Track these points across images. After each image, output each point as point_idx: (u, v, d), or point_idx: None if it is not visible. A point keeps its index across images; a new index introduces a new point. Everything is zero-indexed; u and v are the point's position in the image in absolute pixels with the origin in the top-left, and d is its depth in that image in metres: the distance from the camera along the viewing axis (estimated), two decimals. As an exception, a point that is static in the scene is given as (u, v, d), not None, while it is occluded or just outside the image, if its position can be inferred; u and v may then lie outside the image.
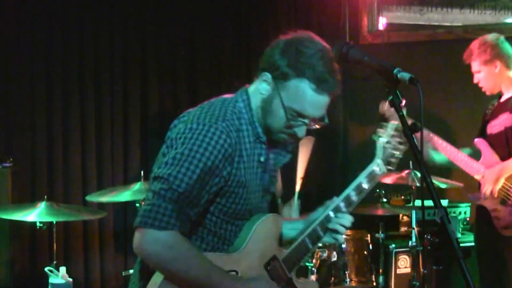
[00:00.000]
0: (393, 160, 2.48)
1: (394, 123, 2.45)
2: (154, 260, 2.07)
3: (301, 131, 2.22)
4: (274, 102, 2.17)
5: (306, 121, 2.19)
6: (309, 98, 2.13)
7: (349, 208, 2.43)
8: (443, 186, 4.46)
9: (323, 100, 2.16)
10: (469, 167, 3.86)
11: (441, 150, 3.93)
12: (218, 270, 2.13)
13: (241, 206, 2.22)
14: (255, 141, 2.23)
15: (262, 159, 2.24)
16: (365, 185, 2.43)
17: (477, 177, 3.87)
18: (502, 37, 3.88)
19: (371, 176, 2.42)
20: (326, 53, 2.13)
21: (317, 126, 2.25)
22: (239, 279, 2.20)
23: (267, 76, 2.17)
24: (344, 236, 4.41)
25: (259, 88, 2.20)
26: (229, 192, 2.17)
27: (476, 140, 3.92)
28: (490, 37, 3.86)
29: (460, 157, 3.89)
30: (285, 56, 2.13)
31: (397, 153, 2.47)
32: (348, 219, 2.41)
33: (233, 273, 2.20)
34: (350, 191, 2.43)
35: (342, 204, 2.42)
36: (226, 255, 2.22)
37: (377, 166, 2.45)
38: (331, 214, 2.40)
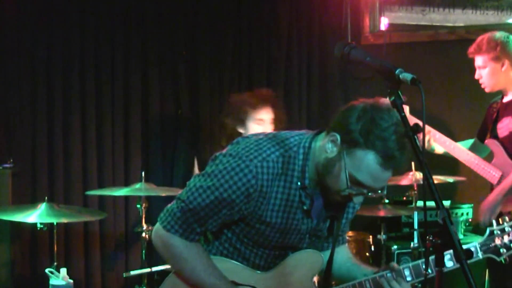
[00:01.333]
0: (502, 251, 2.38)
1: None
2: (158, 251, 2.34)
3: (358, 199, 2.19)
4: (337, 165, 2.12)
5: (365, 191, 2.15)
6: (372, 171, 2.08)
7: (416, 278, 2.36)
8: (450, 180, 4.48)
9: (387, 175, 2.12)
10: (482, 170, 3.79)
11: (447, 150, 3.88)
12: (214, 276, 2.26)
13: (264, 240, 2.29)
14: (301, 189, 2.22)
15: (305, 207, 2.25)
16: (450, 263, 2.36)
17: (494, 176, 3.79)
18: (511, 36, 3.81)
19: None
20: (400, 128, 2.02)
21: (374, 195, 2.20)
22: None
23: (336, 137, 2.12)
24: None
25: (326, 146, 2.15)
26: (251, 225, 2.25)
27: (487, 140, 3.84)
28: (500, 34, 3.77)
29: (471, 159, 3.82)
30: (359, 123, 2.07)
31: (504, 250, 2.38)
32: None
33: None
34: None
35: (407, 272, 2.35)
36: (251, 271, 2.34)
37: (472, 247, 2.39)
38: (389, 275, 2.33)
